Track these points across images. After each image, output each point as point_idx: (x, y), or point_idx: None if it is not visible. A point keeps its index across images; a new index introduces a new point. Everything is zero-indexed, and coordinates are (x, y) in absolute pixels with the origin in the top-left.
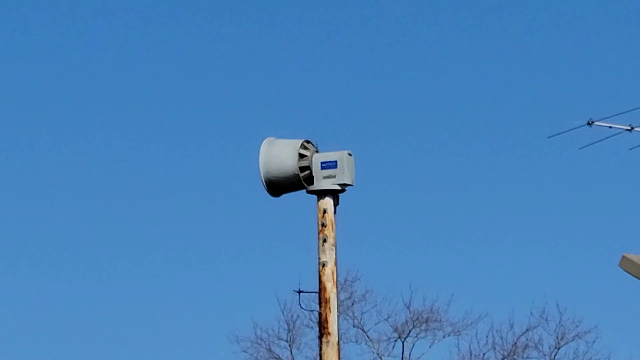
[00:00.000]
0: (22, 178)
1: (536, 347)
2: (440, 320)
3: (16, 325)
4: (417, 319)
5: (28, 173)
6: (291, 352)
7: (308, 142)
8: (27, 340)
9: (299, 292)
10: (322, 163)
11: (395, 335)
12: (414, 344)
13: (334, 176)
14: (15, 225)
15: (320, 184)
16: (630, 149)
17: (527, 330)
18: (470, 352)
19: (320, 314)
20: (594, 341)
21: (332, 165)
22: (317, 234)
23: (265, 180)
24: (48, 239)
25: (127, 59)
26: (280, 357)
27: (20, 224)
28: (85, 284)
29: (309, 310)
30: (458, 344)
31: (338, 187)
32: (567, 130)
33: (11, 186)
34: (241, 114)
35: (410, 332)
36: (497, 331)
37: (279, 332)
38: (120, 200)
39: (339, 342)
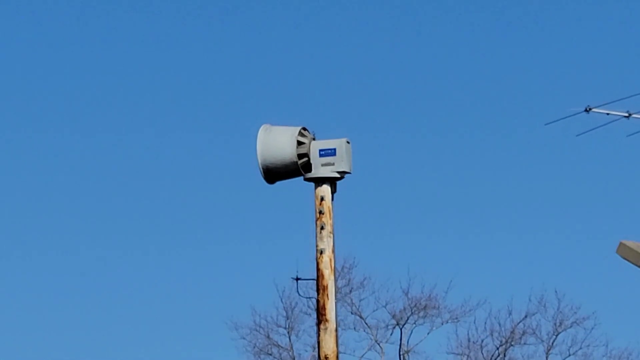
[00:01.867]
0: (21, 176)
1: (534, 333)
2: (439, 307)
3: (18, 318)
4: (415, 305)
5: (26, 171)
6: (290, 339)
7: (305, 129)
8: (37, 326)
9: (297, 279)
10: (320, 150)
11: (394, 322)
12: (412, 331)
13: (333, 164)
14: (13, 223)
15: (318, 171)
16: (627, 136)
17: (526, 316)
18: (469, 338)
19: (318, 301)
20: (592, 328)
21: (331, 152)
22: (314, 221)
23: (262, 168)
24: (51, 230)
25: (122, 48)
26: (278, 344)
27: (18, 221)
28: (85, 273)
29: (307, 298)
30: (456, 330)
31: (337, 175)
32: (565, 117)
33: (10, 185)
34: (235, 101)
35: (408, 318)
36: (495, 318)
37: (277, 319)
38: (119, 190)
39: (337, 328)
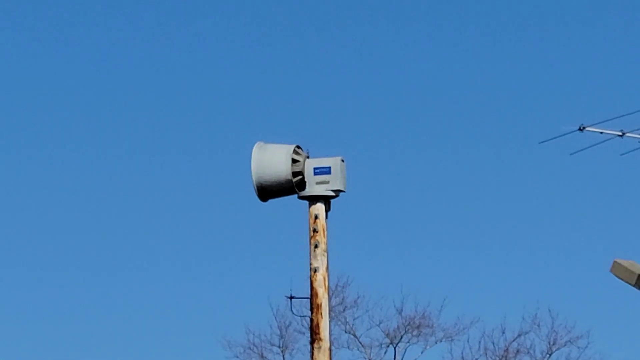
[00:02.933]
0: (17, 179)
1: (528, 352)
2: (432, 326)
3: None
4: (409, 324)
5: (22, 173)
6: (283, 358)
7: (299, 147)
8: (16, 345)
9: (291, 297)
10: (315, 169)
11: (387, 340)
12: (405, 350)
13: (328, 182)
14: (7, 226)
15: (313, 189)
16: (621, 155)
17: (519, 335)
18: (462, 357)
19: (312, 319)
20: (586, 346)
21: (326, 171)
22: (308, 239)
23: (257, 185)
24: (35, 246)
25: (118, 64)
26: None
27: (11, 225)
28: (78, 289)
29: (300, 316)
30: (450, 349)
31: (332, 193)
32: (559, 136)
33: (9, 186)
34: (226, 119)
35: (402, 337)
36: (489, 337)
37: (271, 338)
38: (111, 206)
39: (330, 347)
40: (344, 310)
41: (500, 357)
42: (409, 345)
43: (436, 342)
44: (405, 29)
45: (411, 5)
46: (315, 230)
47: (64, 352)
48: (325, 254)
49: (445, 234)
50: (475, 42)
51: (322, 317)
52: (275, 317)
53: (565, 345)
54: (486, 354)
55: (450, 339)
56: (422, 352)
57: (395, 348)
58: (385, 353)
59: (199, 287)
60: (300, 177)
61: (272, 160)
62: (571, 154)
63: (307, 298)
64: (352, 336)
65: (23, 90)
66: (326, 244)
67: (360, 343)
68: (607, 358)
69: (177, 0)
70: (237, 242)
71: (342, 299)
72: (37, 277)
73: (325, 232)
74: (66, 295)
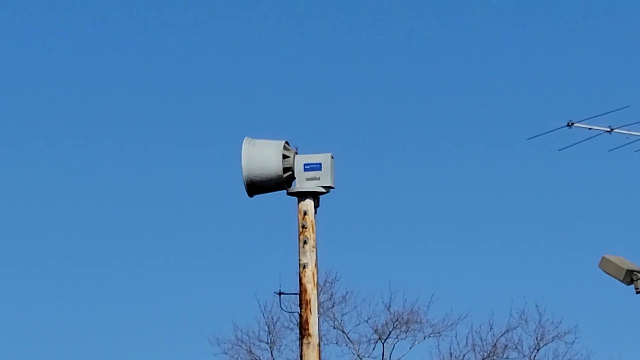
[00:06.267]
0: (12, 178)
1: (516, 347)
2: (421, 322)
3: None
4: (397, 320)
5: (16, 173)
6: (272, 354)
7: (287, 143)
8: (7, 348)
9: (280, 293)
10: (305, 165)
11: (376, 336)
12: (394, 345)
13: (318, 178)
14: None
15: (303, 185)
16: (609, 151)
17: (507, 331)
18: (451, 353)
19: (300, 315)
20: (574, 342)
21: (317, 167)
22: (297, 235)
23: (246, 181)
24: (19, 243)
25: (105, 62)
26: (260, 359)
27: (4, 227)
28: (65, 287)
29: (289, 312)
30: (438, 345)
31: (322, 190)
32: (547, 132)
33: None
34: (211, 113)
35: (390, 333)
36: (477, 332)
37: (259, 334)
38: (98, 202)
39: (319, 343)
40: (333, 306)
41: (488, 352)
42: (397, 341)
43: (424, 338)
44: (394, 26)
45: (399, 3)
46: (304, 226)
47: (51, 350)
48: (314, 250)
49: (434, 230)
50: (463, 39)
51: (311, 313)
52: (263, 313)
53: (552, 340)
54: (474, 349)
55: (438, 334)
56: (410, 348)
57: (383, 344)
58: (373, 349)
59: (187, 284)
60: (289, 172)
61: (262, 155)
62: (559, 150)
63: (296, 294)
64: (340, 332)
65: (11, 88)
66: (315, 240)
67: (349, 339)
68: (594, 353)
69: None
70: (225, 238)
71: (331, 295)
72: (21, 275)
73: (314, 228)
74: (53, 292)
